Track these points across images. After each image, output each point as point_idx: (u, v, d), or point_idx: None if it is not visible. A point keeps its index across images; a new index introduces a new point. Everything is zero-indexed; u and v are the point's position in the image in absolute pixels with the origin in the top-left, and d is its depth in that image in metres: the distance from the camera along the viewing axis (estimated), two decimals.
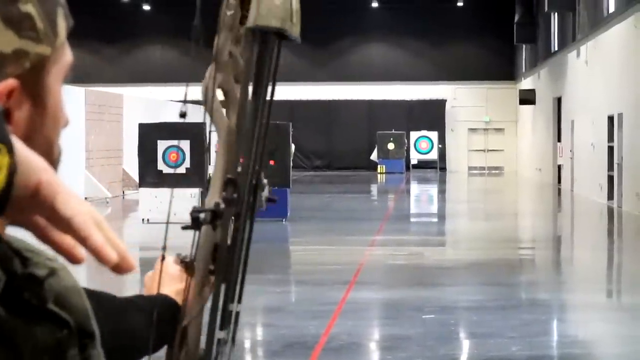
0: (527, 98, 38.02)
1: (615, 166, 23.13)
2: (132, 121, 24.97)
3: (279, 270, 12.66)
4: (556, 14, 32.77)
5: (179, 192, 18.11)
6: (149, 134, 18.87)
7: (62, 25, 0.96)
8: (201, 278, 1.38)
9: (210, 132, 1.34)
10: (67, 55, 0.99)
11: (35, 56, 0.93)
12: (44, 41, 0.94)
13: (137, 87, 40.64)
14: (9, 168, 0.83)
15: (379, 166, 41.56)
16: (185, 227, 1.32)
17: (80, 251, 0.89)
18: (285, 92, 43.58)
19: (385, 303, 10.39)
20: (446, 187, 34.68)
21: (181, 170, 18.66)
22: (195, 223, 1.30)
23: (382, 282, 11.73)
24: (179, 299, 1.48)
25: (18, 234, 0.99)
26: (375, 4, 44.05)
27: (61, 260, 0.99)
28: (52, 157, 0.97)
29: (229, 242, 1.34)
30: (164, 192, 18.34)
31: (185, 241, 1.35)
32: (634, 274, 13.07)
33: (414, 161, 43.02)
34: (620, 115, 22.75)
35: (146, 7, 44.20)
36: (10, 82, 0.92)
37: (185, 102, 1.36)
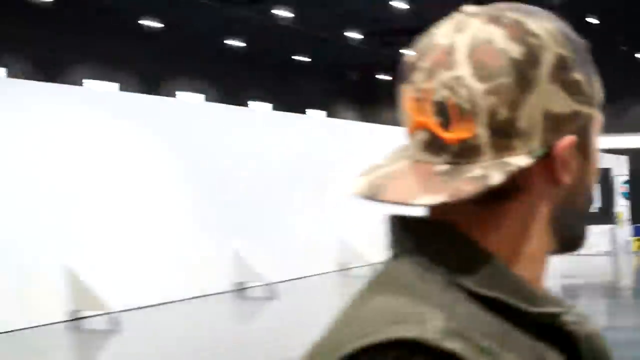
0: None
1: None
2: None
3: None
4: None
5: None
6: None
7: (598, 89, 1.43)
8: None
9: (615, 176, 1.78)
10: (600, 115, 1.43)
11: (586, 116, 1.39)
12: (590, 104, 1.39)
13: None
14: None
15: None
16: None
17: None
18: None
19: None
20: None
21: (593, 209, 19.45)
22: None
23: None
24: None
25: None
26: None
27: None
28: (589, 203, 1.45)
29: None
30: None
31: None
32: None
33: None
34: None
35: None
36: (570, 138, 1.36)
37: None
